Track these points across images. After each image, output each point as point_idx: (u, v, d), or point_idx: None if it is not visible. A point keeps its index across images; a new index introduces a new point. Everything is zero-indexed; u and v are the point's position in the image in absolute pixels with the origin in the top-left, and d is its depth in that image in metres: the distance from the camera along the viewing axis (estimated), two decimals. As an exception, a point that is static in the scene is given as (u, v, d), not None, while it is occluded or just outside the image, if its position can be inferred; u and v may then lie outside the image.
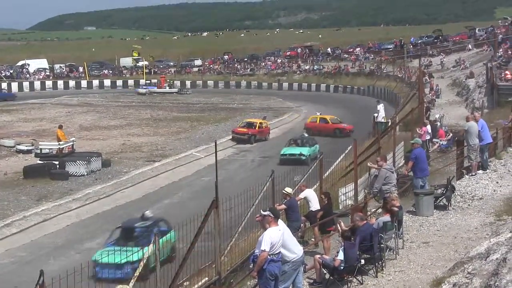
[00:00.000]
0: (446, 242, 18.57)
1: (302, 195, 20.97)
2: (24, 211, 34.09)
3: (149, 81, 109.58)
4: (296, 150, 47.78)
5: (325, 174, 27.14)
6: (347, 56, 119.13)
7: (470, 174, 25.88)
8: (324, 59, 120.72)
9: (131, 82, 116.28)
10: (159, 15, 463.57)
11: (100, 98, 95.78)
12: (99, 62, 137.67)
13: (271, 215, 13.39)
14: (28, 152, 49.04)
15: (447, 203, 22.52)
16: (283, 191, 20.15)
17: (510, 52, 65.88)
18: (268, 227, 13.30)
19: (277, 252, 13.18)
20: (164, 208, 35.67)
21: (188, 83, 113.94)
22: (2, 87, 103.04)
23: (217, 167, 17.97)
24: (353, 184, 23.53)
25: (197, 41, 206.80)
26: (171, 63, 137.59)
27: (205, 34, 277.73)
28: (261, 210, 14.06)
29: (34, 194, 37.97)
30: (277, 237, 13.16)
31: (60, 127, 49.52)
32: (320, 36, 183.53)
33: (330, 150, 30.85)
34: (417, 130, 33.86)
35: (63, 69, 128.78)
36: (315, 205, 20.64)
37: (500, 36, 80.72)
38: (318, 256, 16.55)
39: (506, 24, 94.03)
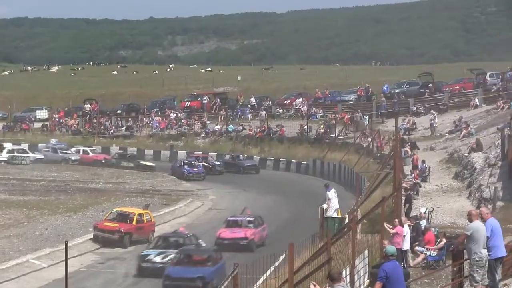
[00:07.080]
0: None
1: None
2: None
3: None
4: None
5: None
6: (281, 111, 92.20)
7: (475, 305, 20.15)
8: (245, 115, 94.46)
9: None
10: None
11: None
12: None
13: None
14: None
15: None
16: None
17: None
18: None
19: None
20: None
21: (26, 146, 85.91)
22: None
23: (67, 285, 16.85)
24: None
25: (41, 80, 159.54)
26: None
27: (54, 69, 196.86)
28: None
29: None
30: None
31: None
32: (239, 78, 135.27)
33: (249, 259, 22.92)
34: (386, 227, 26.81)
35: None
36: None
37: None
38: None
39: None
